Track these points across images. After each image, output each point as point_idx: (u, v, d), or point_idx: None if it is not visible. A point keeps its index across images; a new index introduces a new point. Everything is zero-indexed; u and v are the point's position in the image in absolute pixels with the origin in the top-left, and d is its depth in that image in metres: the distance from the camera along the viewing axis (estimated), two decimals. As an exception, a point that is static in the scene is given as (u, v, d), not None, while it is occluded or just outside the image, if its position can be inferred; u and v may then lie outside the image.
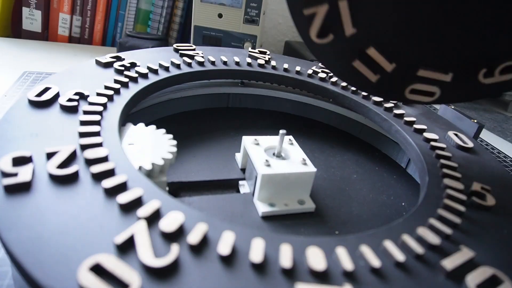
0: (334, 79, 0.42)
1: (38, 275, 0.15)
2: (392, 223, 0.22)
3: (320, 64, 0.46)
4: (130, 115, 0.37)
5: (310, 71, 0.43)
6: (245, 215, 0.28)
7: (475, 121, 0.37)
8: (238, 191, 0.32)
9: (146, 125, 0.30)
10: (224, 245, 0.17)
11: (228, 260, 0.17)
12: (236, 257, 0.17)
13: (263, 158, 0.29)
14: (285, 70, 0.43)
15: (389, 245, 0.19)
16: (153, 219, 0.18)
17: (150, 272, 0.16)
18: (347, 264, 0.17)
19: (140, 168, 0.25)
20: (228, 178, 0.33)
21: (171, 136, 0.29)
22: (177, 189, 0.31)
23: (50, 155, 0.21)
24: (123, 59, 0.36)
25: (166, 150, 0.27)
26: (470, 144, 0.34)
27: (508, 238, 0.22)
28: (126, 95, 0.30)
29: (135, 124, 0.30)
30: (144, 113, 0.39)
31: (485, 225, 0.23)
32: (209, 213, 0.28)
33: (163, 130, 0.29)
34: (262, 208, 0.28)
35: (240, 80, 0.45)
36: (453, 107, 0.42)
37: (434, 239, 0.20)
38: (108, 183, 0.20)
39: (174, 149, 0.27)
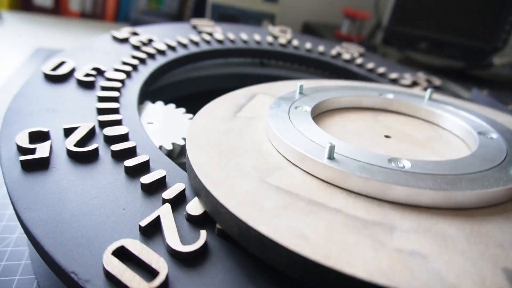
0: (359, 60, 0.40)
1: (60, 259, 0.14)
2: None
3: (344, 44, 0.44)
4: (147, 94, 0.36)
5: (334, 52, 0.41)
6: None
7: None
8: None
9: (164, 104, 0.28)
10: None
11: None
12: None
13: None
14: (308, 50, 0.41)
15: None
16: (178, 202, 0.17)
17: (177, 258, 0.15)
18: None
19: (160, 147, 0.23)
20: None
21: (191, 115, 0.27)
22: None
23: (68, 132, 0.20)
24: (139, 34, 0.35)
25: (186, 130, 0.25)
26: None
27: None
28: (145, 71, 0.29)
29: (153, 102, 0.28)
30: (161, 91, 0.38)
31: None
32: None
33: (182, 110, 0.28)
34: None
35: (260, 60, 0.44)
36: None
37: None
38: (130, 162, 0.19)
39: (195, 129, 0.26)
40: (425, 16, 0.63)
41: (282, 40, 0.41)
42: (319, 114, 0.25)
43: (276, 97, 0.25)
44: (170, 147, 0.23)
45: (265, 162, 0.18)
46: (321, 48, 0.41)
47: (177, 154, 0.24)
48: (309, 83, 0.29)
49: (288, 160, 0.19)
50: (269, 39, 0.40)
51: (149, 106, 0.28)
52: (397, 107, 0.27)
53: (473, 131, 0.22)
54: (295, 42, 0.41)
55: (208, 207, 0.16)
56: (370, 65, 0.39)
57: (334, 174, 0.17)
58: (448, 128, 0.25)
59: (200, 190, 0.17)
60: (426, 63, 0.64)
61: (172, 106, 0.28)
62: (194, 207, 0.17)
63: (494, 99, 0.37)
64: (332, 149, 0.17)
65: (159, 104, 0.28)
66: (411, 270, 0.13)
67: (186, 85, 0.40)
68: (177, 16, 0.64)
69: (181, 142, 0.24)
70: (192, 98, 0.41)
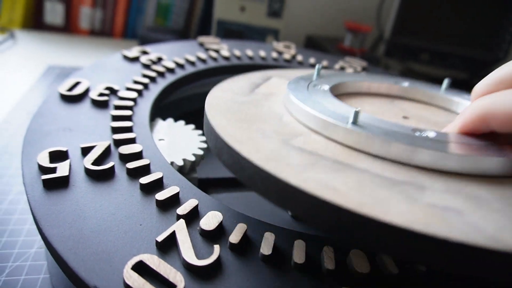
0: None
1: (83, 273, 0.14)
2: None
3: (347, 58, 0.45)
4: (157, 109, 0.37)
5: (337, 67, 0.42)
6: (275, 214, 0.28)
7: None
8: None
9: (174, 120, 0.29)
10: (266, 245, 0.17)
11: (270, 260, 0.16)
12: (277, 258, 0.17)
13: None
14: (312, 65, 0.42)
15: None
16: (192, 217, 0.18)
17: (192, 272, 0.15)
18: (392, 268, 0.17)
19: (171, 164, 0.24)
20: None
21: (200, 131, 0.28)
22: (205, 186, 0.31)
23: (85, 150, 0.21)
24: (149, 53, 0.36)
25: (196, 146, 0.26)
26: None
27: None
28: (155, 89, 0.30)
29: (163, 119, 0.30)
30: (169, 107, 0.39)
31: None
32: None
33: (192, 126, 0.29)
34: (292, 206, 0.28)
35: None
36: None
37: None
38: (145, 179, 0.19)
39: (205, 145, 0.27)
40: (426, 27, 0.64)
41: (287, 55, 0.42)
42: (336, 95, 0.24)
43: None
44: (181, 163, 0.24)
45: (287, 128, 0.18)
46: (324, 63, 0.42)
47: (188, 170, 0.25)
48: (324, 70, 0.29)
49: (310, 128, 0.18)
50: (274, 55, 0.42)
51: (159, 123, 0.29)
52: (413, 95, 0.27)
53: None
54: (300, 57, 0.42)
55: (231, 165, 0.16)
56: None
57: (358, 138, 0.16)
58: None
59: (222, 149, 0.17)
60: (428, 74, 0.65)
61: (181, 122, 0.29)
62: (208, 222, 0.17)
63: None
64: (357, 114, 0.17)
65: (169, 121, 0.29)
66: (448, 222, 0.13)
67: (193, 100, 0.41)
68: (183, 32, 0.66)
69: (191, 158, 0.25)
70: (199, 114, 0.42)
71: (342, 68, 0.42)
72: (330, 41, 0.68)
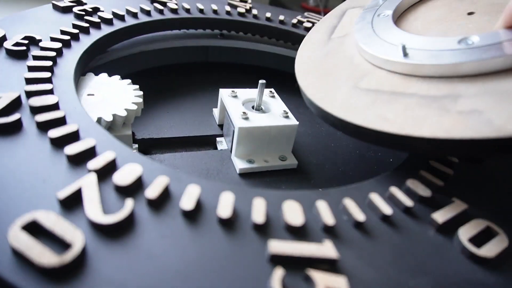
0: (321, 29, 0.39)
1: (-43, 235, 0.12)
2: (379, 176, 0.20)
3: (306, 14, 0.42)
4: (96, 68, 0.33)
5: (295, 21, 0.39)
6: (222, 173, 0.26)
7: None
8: (215, 148, 0.30)
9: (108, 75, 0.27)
10: (188, 199, 0.15)
11: (192, 216, 0.15)
12: (201, 213, 0.15)
13: (241, 111, 0.27)
14: (268, 19, 0.39)
15: (376, 198, 0.17)
16: (107, 172, 0.16)
17: (99, 230, 0.13)
18: (328, 218, 0.15)
19: (99, 120, 0.22)
20: (205, 135, 0.30)
21: (136, 86, 0.26)
22: (148, 147, 0.29)
23: (-13, 102, 0.18)
24: (85, 4, 0.33)
25: (130, 101, 0.24)
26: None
27: (501, 190, 0.21)
28: (86, 41, 0.27)
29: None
30: (114, 65, 0.36)
31: (478, 177, 0.21)
32: (180, 170, 0.26)
33: (128, 81, 0.26)
34: (240, 164, 0.26)
35: (219, 32, 0.42)
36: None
37: (424, 191, 0.18)
38: (56, 132, 0.17)
39: (140, 100, 0.24)
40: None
41: (241, 9, 0.39)
42: (403, 12, 0.26)
43: (365, 7, 0.28)
44: (110, 118, 0.22)
45: (356, 70, 0.22)
46: (281, 17, 0.39)
47: (120, 126, 0.23)
48: None
49: (374, 65, 0.22)
50: (228, 8, 0.39)
51: (92, 78, 0.26)
52: None
53: None
54: (255, 12, 0.39)
55: (320, 116, 0.22)
56: (332, 33, 0.38)
57: (409, 67, 0.19)
58: None
59: (311, 106, 0.23)
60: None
61: (117, 77, 0.26)
62: (123, 177, 0.15)
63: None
64: (404, 48, 0.20)
65: (103, 75, 0.26)
66: (467, 124, 0.15)
67: (142, 58, 0.38)
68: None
69: (123, 113, 0.22)
70: (148, 73, 0.39)
71: (300, 22, 0.40)
72: (294, 1, 0.64)
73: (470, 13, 0.22)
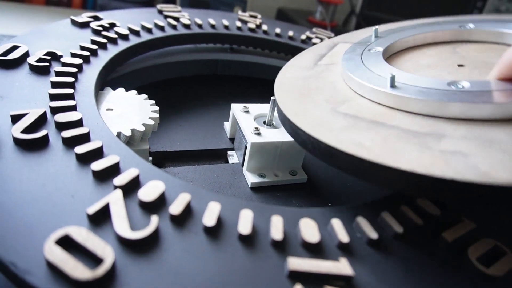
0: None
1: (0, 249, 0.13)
2: (389, 194, 0.20)
3: (314, 29, 0.43)
4: (110, 81, 0.34)
5: (303, 37, 0.40)
6: (234, 186, 0.27)
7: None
8: (226, 161, 0.30)
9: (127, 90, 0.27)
10: (209, 216, 0.16)
11: (214, 232, 0.15)
12: (222, 229, 0.16)
13: (253, 126, 0.27)
14: (277, 35, 0.40)
15: (387, 216, 0.18)
16: (131, 188, 0.17)
17: (126, 245, 0.14)
18: (343, 236, 0.16)
19: (119, 134, 0.23)
20: (216, 148, 0.31)
21: (153, 101, 0.27)
22: (161, 159, 0.29)
23: (15, 118, 0.19)
24: (102, 19, 0.34)
25: (147, 116, 0.25)
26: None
27: (509, 209, 0.21)
28: (104, 57, 0.28)
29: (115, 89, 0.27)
30: (127, 79, 0.37)
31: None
32: (194, 184, 0.26)
33: (144, 96, 0.27)
34: (251, 178, 0.27)
35: (229, 46, 0.43)
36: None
37: (434, 210, 0.18)
38: (81, 149, 0.18)
39: (156, 115, 0.25)
40: (398, 0, 0.63)
41: (252, 25, 0.40)
42: (395, 53, 0.26)
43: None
44: (129, 133, 0.23)
45: (337, 96, 0.22)
46: (291, 33, 0.40)
47: (138, 141, 0.24)
48: (387, 26, 0.30)
49: (358, 93, 0.21)
50: (238, 24, 0.40)
51: (109, 92, 0.27)
52: (479, 36, 0.26)
53: None
54: (265, 27, 0.40)
55: (290, 132, 0.21)
56: (340, 50, 0.39)
57: (395, 99, 0.19)
58: None
59: (285, 121, 0.22)
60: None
61: (133, 92, 0.27)
62: (147, 192, 0.16)
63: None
64: (393, 78, 0.19)
65: (120, 90, 0.27)
66: (450, 164, 0.15)
67: (153, 72, 0.39)
68: (148, 2, 0.62)
69: (141, 128, 0.23)
70: (159, 85, 0.40)
71: (309, 38, 0.41)
72: (301, 14, 0.66)
73: (460, 65, 0.22)
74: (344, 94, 0.22)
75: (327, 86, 0.23)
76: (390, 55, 0.25)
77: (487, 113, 0.16)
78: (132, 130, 0.23)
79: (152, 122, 0.24)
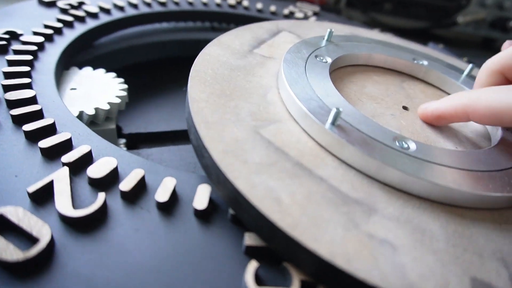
0: (312, 19, 0.38)
1: None
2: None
3: (298, 3, 0.42)
4: (86, 62, 0.33)
5: (286, 11, 0.39)
6: (210, 166, 0.26)
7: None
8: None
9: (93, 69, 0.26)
10: (163, 192, 0.14)
11: (168, 209, 0.14)
12: (178, 206, 0.15)
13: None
14: (259, 11, 0.38)
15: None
16: (83, 166, 0.15)
17: (69, 224, 0.13)
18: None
19: (81, 113, 0.21)
20: (194, 128, 0.30)
21: (121, 80, 0.25)
22: (136, 141, 0.28)
23: (-39, 98, 0.18)
24: (71, -2, 0.32)
25: (114, 94, 0.23)
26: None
27: None
28: (70, 35, 0.27)
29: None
30: (103, 60, 0.35)
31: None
32: (167, 164, 0.25)
33: (113, 74, 0.26)
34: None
35: (210, 24, 0.41)
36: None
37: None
38: (30, 126, 0.17)
39: (124, 93, 0.24)
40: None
41: (231, 0, 0.38)
42: (342, 67, 0.23)
43: (302, 38, 0.24)
44: (91, 112, 0.21)
45: (266, 111, 0.17)
46: (272, 8, 0.39)
47: (102, 120, 0.22)
48: (343, 29, 0.27)
49: (290, 114, 0.17)
50: (218, 0, 0.38)
51: (75, 72, 0.25)
52: (427, 77, 0.24)
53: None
54: (245, 3, 0.38)
55: (194, 147, 0.16)
56: (324, 23, 0.37)
57: (332, 141, 0.15)
58: None
59: (190, 128, 0.16)
60: (391, 25, 0.63)
61: (101, 71, 0.26)
62: (97, 169, 0.15)
63: (448, 52, 0.36)
64: (337, 115, 0.15)
65: (87, 69, 0.26)
66: (376, 258, 0.12)
67: (131, 53, 0.38)
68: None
69: (106, 107, 0.22)
70: (136, 68, 0.38)
71: (292, 13, 0.39)
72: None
73: (405, 108, 0.21)
74: (275, 110, 0.17)
75: (257, 90, 0.18)
76: (336, 68, 0.22)
77: (425, 192, 0.14)
78: (96, 109, 0.22)
79: (118, 101, 0.23)
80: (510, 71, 0.18)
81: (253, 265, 0.12)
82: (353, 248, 0.12)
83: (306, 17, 0.38)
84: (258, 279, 0.12)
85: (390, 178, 0.14)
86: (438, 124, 0.19)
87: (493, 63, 0.19)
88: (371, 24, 0.63)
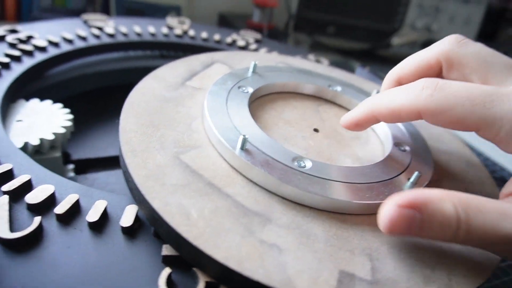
0: (253, 46, 0.42)
1: None
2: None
3: (241, 31, 0.45)
4: (36, 92, 0.34)
5: (229, 40, 0.42)
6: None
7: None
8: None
9: (55, 102, 0.28)
10: (94, 213, 0.17)
11: (98, 227, 0.17)
12: (107, 224, 0.17)
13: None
14: (204, 40, 0.42)
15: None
16: (23, 193, 0.17)
17: (7, 246, 0.15)
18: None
19: (26, 144, 0.23)
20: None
21: (67, 110, 0.27)
22: (84, 167, 0.30)
23: None
24: (18, 32, 0.34)
25: (59, 124, 0.25)
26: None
27: None
28: (17, 69, 0.28)
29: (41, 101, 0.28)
30: (53, 89, 0.37)
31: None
32: (112, 187, 0.27)
33: (59, 105, 0.28)
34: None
35: (159, 52, 0.44)
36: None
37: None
38: (-27, 160, 0.18)
39: (69, 123, 0.26)
40: (331, 1, 0.67)
41: (178, 31, 0.41)
42: (264, 95, 0.25)
43: (233, 68, 0.26)
44: (36, 142, 0.23)
45: (189, 138, 0.20)
46: (217, 37, 0.42)
47: (47, 149, 0.24)
48: (275, 58, 0.30)
49: (209, 140, 0.20)
50: (165, 30, 0.41)
51: (22, 104, 0.27)
52: (341, 101, 0.27)
53: (391, 141, 0.22)
54: (192, 32, 0.41)
55: (123, 172, 0.18)
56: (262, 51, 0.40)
57: (240, 163, 0.18)
58: (377, 131, 0.25)
59: (120, 156, 0.18)
60: (335, 46, 0.68)
61: (48, 102, 0.28)
62: (35, 196, 0.17)
63: (374, 74, 0.41)
64: (244, 141, 0.18)
65: (34, 101, 0.28)
66: (263, 259, 0.14)
67: (81, 82, 0.40)
68: (84, 12, 0.62)
69: (50, 137, 0.24)
70: (87, 96, 0.40)
71: (234, 41, 0.42)
72: (241, 18, 0.68)
73: (315, 130, 0.23)
74: (197, 138, 0.20)
75: (184, 120, 0.21)
76: (260, 96, 0.25)
77: (315, 203, 0.17)
78: (41, 139, 0.24)
79: (63, 131, 0.25)
80: (403, 79, 0.21)
81: (166, 271, 0.15)
82: (246, 252, 0.15)
83: (247, 45, 0.42)
84: (171, 283, 0.15)
85: (287, 193, 0.17)
86: (359, 129, 0.22)
87: (391, 73, 0.22)
88: (317, 46, 0.68)
